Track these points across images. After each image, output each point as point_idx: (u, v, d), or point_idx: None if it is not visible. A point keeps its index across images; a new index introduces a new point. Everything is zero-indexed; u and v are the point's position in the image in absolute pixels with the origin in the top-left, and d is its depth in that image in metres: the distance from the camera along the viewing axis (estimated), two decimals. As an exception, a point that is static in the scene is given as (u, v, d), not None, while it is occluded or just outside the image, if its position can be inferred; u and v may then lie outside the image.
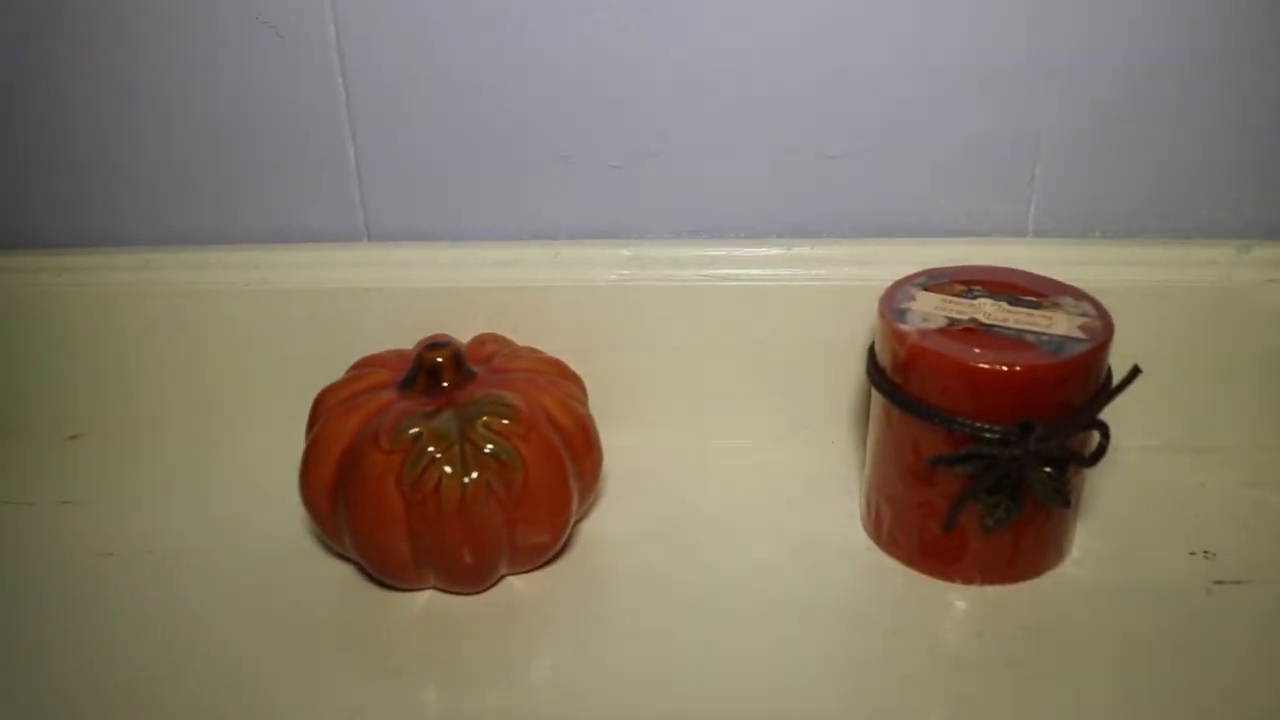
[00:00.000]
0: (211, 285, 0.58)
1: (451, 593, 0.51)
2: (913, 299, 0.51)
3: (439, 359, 0.50)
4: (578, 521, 0.54)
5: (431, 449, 0.47)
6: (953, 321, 0.49)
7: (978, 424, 0.47)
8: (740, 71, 0.55)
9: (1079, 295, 0.51)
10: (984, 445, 0.47)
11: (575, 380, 0.55)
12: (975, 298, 0.51)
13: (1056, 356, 0.46)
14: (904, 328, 0.48)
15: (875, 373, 0.50)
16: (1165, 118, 0.55)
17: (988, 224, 0.58)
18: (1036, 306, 0.50)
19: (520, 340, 0.57)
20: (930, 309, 0.50)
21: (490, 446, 0.48)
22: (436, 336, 0.54)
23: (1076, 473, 0.49)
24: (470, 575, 0.50)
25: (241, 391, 0.59)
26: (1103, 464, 0.50)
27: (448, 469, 0.47)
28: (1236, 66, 0.54)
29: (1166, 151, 0.56)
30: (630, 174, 0.58)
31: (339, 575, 0.52)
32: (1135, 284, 0.56)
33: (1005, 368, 0.46)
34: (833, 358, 0.57)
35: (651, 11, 0.54)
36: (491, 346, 0.54)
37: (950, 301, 0.50)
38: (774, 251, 0.57)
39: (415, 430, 0.48)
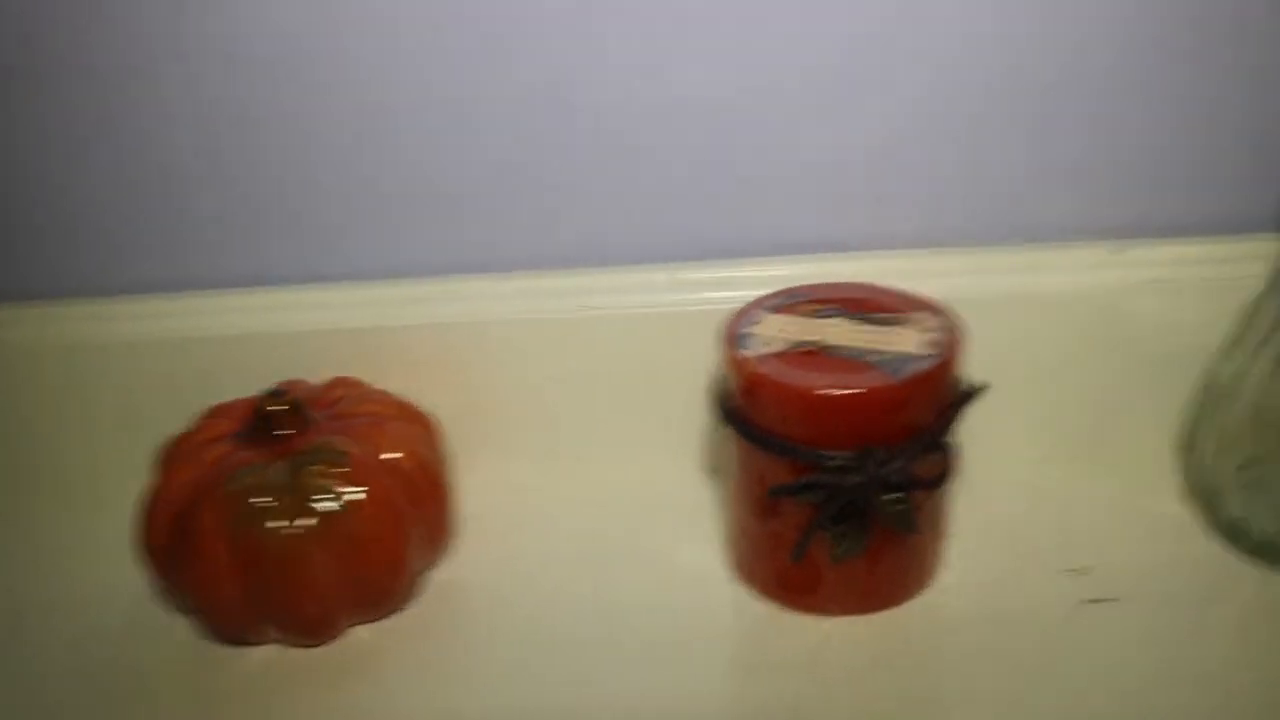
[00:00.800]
0: (62, 338, 0.57)
1: (295, 645, 0.49)
2: (758, 322, 0.49)
3: (275, 408, 0.49)
4: (430, 567, 0.52)
5: (259, 500, 0.46)
6: (796, 345, 0.47)
7: (817, 451, 0.45)
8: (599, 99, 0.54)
9: (936, 310, 0.49)
10: (823, 474, 0.45)
11: (423, 422, 0.53)
12: (826, 318, 0.49)
13: (894, 377, 0.44)
14: (743, 354, 0.47)
15: (719, 402, 0.49)
16: (1037, 116, 0.54)
17: (858, 239, 0.57)
18: (888, 324, 0.48)
19: (384, 381, 0.55)
20: (774, 332, 0.48)
21: (319, 496, 0.47)
22: (285, 383, 0.53)
23: (927, 496, 0.47)
24: (309, 627, 0.49)
25: (92, 445, 0.58)
26: (974, 482, 0.49)
27: (275, 520, 0.46)
28: (1107, 55, 0.52)
29: (1041, 151, 0.55)
30: (489, 203, 0.56)
31: (182, 632, 0.50)
32: (1009, 291, 0.55)
33: (839, 391, 0.44)
34: (701, 385, 0.55)
35: (498, 35, 0.53)
36: (340, 391, 0.53)
37: (798, 323, 0.49)
38: (635, 276, 0.56)
39: (244, 482, 0.47)
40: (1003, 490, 0.55)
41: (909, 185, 0.56)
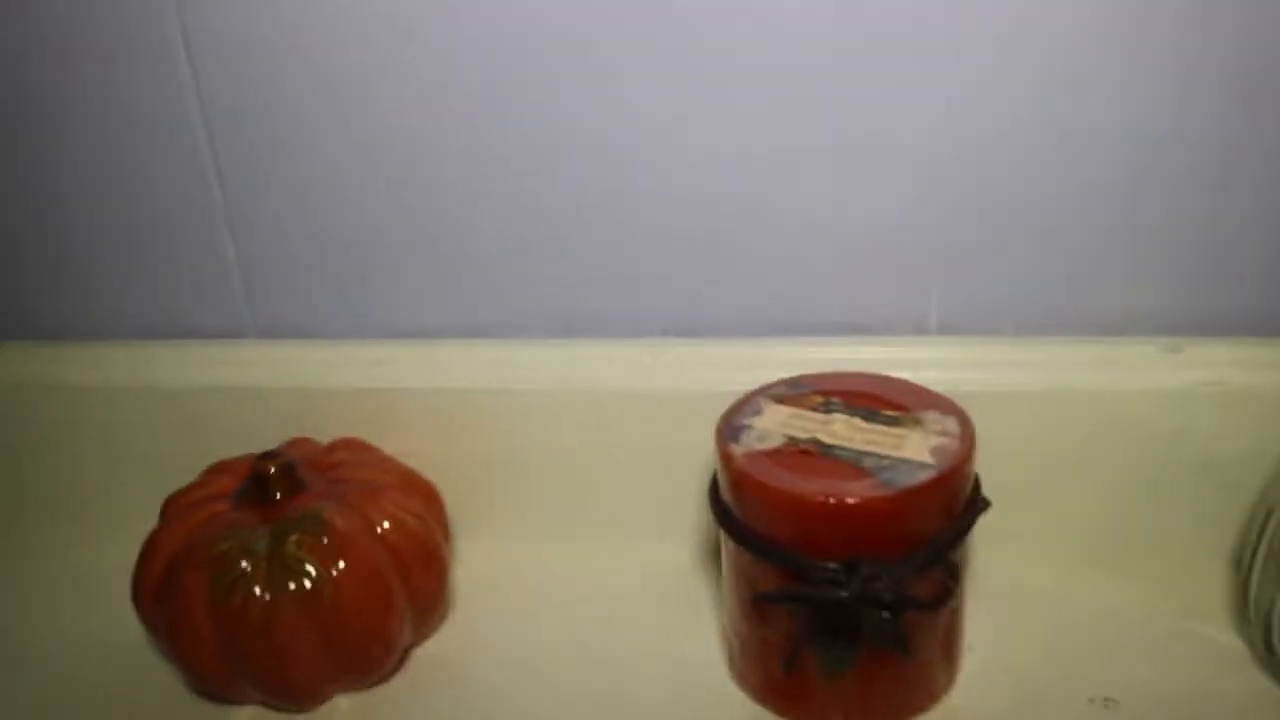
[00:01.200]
0: (80, 380, 0.58)
1: (275, 709, 0.49)
2: (759, 413, 0.47)
3: (268, 470, 0.49)
4: (420, 641, 0.51)
5: (238, 566, 0.46)
6: (791, 441, 0.45)
7: (803, 559, 0.42)
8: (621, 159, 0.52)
9: (948, 409, 0.46)
10: (808, 585, 0.42)
11: (423, 492, 0.52)
12: (830, 412, 0.46)
13: (888, 488, 0.41)
14: (733, 448, 0.44)
15: (713, 497, 0.46)
16: (1087, 200, 0.50)
17: (883, 321, 0.53)
18: (893, 423, 0.45)
19: (388, 444, 0.55)
20: (773, 425, 0.46)
21: (298, 565, 0.46)
22: (290, 442, 0.53)
23: (924, 616, 0.44)
24: (287, 693, 0.48)
25: (103, 491, 0.59)
26: (996, 593, 0.45)
27: (252, 586, 0.46)
28: (1163, 145, 0.48)
29: (1089, 238, 0.51)
30: (498, 270, 0.55)
31: (171, 685, 0.51)
32: (1048, 388, 0.51)
33: (825, 499, 0.41)
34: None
35: (506, 110, 0.52)
36: (341, 455, 0.53)
37: (800, 416, 0.46)
38: (644, 353, 0.54)
39: (225, 546, 0.47)
40: (1027, 604, 0.51)
41: (943, 265, 0.52)
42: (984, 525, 0.51)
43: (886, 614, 0.42)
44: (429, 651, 0.52)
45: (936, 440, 0.44)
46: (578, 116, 0.52)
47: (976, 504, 0.44)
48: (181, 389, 0.57)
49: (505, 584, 0.55)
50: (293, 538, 0.47)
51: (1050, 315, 0.52)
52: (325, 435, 0.55)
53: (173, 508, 0.51)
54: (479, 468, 0.56)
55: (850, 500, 0.41)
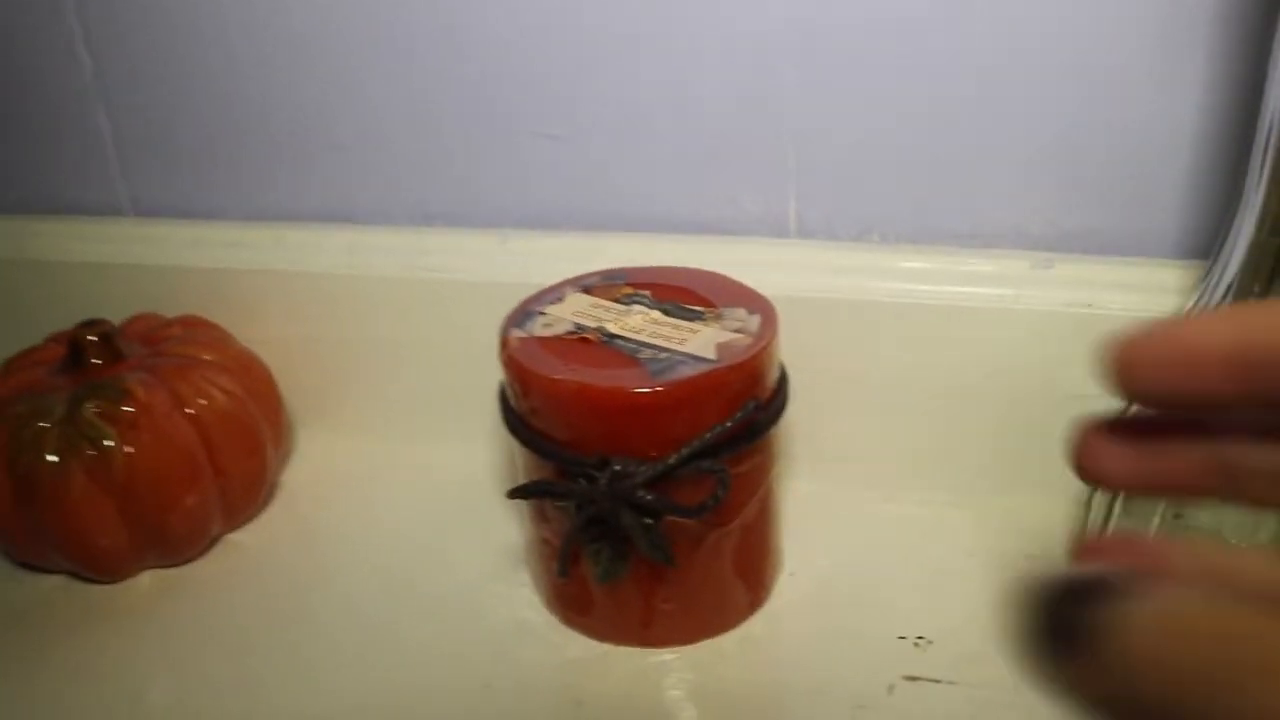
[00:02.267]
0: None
1: (83, 579, 0.49)
2: (560, 300, 0.44)
3: (85, 337, 0.48)
4: (232, 525, 0.50)
5: (31, 426, 0.46)
6: (577, 329, 0.41)
7: (562, 453, 0.39)
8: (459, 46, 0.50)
9: (759, 308, 0.42)
10: (564, 480, 0.39)
11: (251, 375, 0.51)
12: (631, 303, 0.43)
13: (653, 380, 0.38)
14: (512, 333, 0.42)
15: (501, 390, 0.43)
16: (961, 105, 0.45)
17: (744, 221, 0.49)
18: (692, 318, 0.42)
19: (239, 327, 0.54)
20: (566, 314, 0.43)
21: (92, 431, 0.45)
22: (137, 316, 0.53)
23: (693, 525, 0.40)
24: (88, 562, 0.48)
25: None
26: (818, 515, 0.42)
27: (41, 450, 0.45)
28: (1052, 49, 0.43)
29: (966, 145, 0.46)
30: (355, 156, 0.53)
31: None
32: (900, 299, 0.46)
33: (577, 385, 0.38)
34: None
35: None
36: (177, 330, 0.52)
37: (599, 306, 0.43)
38: (493, 242, 0.51)
39: (22, 408, 0.46)
40: (849, 531, 0.47)
41: (809, 169, 0.48)
42: (814, 446, 0.47)
43: (646, 518, 0.39)
44: (243, 538, 0.51)
45: (728, 337, 0.40)
46: (441, 7, 0.49)
47: (762, 410, 0.40)
48: (48, 262, 0.57)
49: (337, 477, 0.54)
50: (90, 404, 0.46)
51: (914, 226, 0.48)
52: (179, 313, 0.54)
53: (5, 370, 0.51)
54: (326, 358, 0.55)
55: (602, 386, 0.38)
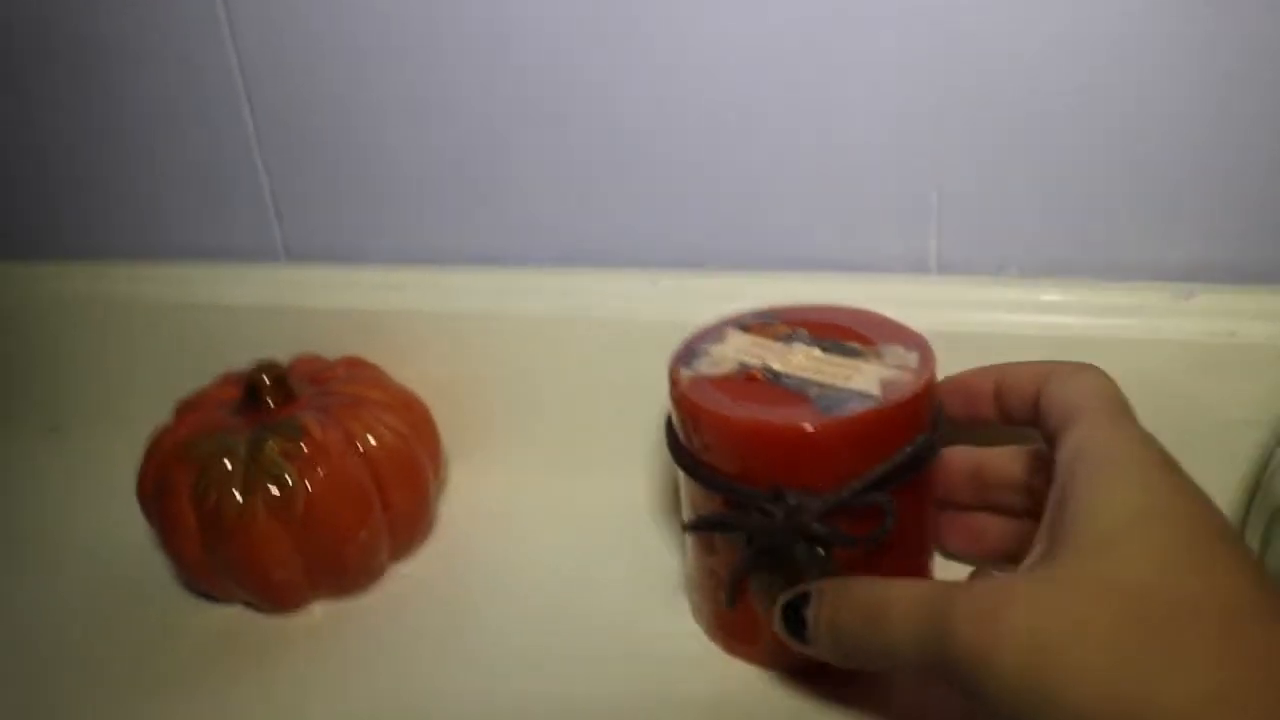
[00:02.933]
0: (123, 296, 0.62)
1: (258, 609, 0.51)
2: (721, 340, 0.46)
3: (262, 378, 0.51)
4: (400, 556, 0.53)
5: (217, 466, 0.48)
6: (742, 367, 0.43)
7: (735, 487, 0.41)
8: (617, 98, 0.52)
9: (915, 345, 0.43)
10: (737, 511, 0.41)
11: (413, 412, 0.54)
12: (791, 341, 0.45)
13: (823, 415, 0.40)
14: (682, 372, 0.44)
15: (668, 424, 0.46)
16: (1097, 137, 0.47)
17: (882, 258, 0.51)
18: (853, 355, 0.43)
19: (395, 366, 0.56)
20: (730, 352, 0.45)
21: (274, 469, 0.48)
22: (301, 357, 0.56)
23: (859, 554, 0.42)
24: (265, 594, 0.50)
25: (142, 400, 0.62)
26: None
27: (229, 487, 0.48)
28: (1182, 81, 0.45)
29: (1103, 178, 0.47)
30: (503, 201, 0.56)
31: (169, 580, 0.54)
32: (1043, 332, 0.48)
33: (751, 422, 0.40)
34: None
35: (527, 47, 0.52)
36: (341, 371, 0.55)
37: (760, 345, 0.45)
38: (643, 282, 0.53)
39: (208, 447, 0.49)
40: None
41: (960, 203, 0.50)
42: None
43: (819, 548, 0.41)
44: (408, 569, 0.53)
45: (890, 373, 0.42)
46: (587, 54, 0.52)
47: (926, 444, 0.41)
48: (212, 305, 0.61)
49: (491, 509, 0.56)
50: (270, 443, 0.49)
51: (1057, 259, 0.49)
52: (338, 354, 0.57)
53: (181, 409, 0.54)
54: (479, 394, 0.57)
55: (776, 424, 0.40)
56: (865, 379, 0.41)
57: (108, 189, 0.64)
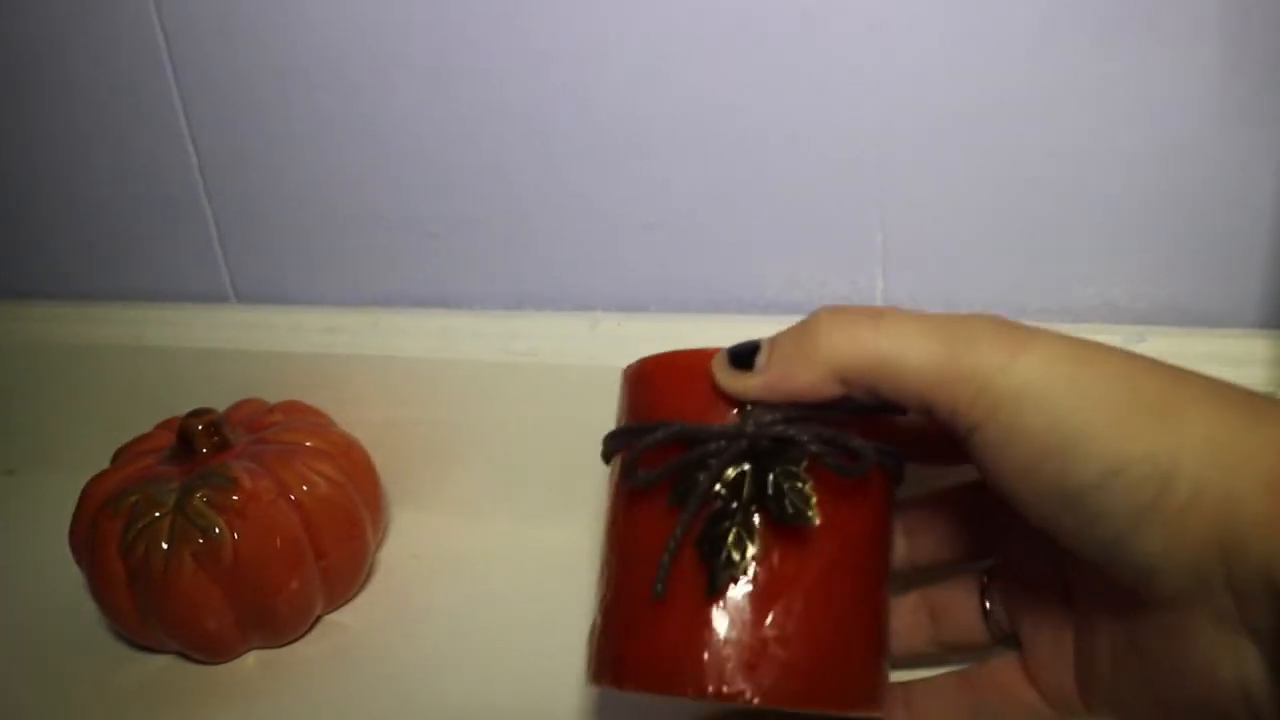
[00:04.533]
0: (63, 339, 0.62)
1: (191, 660, 0.50)
2: None
3: (194, 427, 0.50)
4: (334, 606, 0.52)
5: (145, 517, 0.48)
6: None
7: (692, 427, 0.35)
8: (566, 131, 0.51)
9: None
10: (698, 445, 0.35)
11: (350, 459, 0.53)
12: None
13: None
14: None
15: (606, 439, 0.39)
16: (1047, 178, 0.45)
17: (827, 298, 0.50)
18: None
19: (338, 410, 0.55)
20: None
21: (201, 520, 0.47)
22: (241, 402, 0.55)
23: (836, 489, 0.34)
24: (197, 645, 0.49)
25: (82, 442, 0.61)
26: None
27: (158, 538, 0.47)
28: (1133, 121, 0.43)
29: (1053, 222, 0.46)
30: (448, 244, 0.55)
31: (100, 630, 0.53)
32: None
33: (711, 352, 0.35)
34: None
35: (461, 86, 0.52)
36: (279, 416, 0.54)
37: None
38: (580, 326, 0.52)
39: (135, 497, 0.48)
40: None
41: (893, 245, 0.48)
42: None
43: (795, 476, 0.34)
44: (346, 618, 0.52)
45: None
46: (534, 97, 0.51)
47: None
48: (160, 348, 0.60)
49: (434, 557, 0.55)
50: (199, 494, 0.48)
51: (1005, 301, 0.48)
52: (282, 397, 0.56)
53: (118, 456, 0.53)
54: (421, 438, 0.56)
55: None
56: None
57: (53, 229, 0.64)
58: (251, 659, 0.50)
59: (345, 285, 0.58)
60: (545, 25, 0.49)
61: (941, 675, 0.40)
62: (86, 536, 0.49)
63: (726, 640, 0.33)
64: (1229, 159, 0.43)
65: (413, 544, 0.56)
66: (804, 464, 0.34)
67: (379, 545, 0.55)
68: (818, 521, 0.34)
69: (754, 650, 0.33)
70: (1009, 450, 0.30)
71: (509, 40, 0.50)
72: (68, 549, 0.51)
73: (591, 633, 0.37)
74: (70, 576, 0.52)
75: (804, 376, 0.33)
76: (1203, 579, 0.28)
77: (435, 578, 0.54)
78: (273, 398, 0.56)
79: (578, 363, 0.52)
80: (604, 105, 0.50)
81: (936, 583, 0.41)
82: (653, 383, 0.38)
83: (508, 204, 0.54)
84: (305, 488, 0.50)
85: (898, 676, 0.39)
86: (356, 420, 0.55)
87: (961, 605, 0.40)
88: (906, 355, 0.31)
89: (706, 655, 0.33)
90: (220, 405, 0.54)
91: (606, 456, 0.40)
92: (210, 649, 0.49)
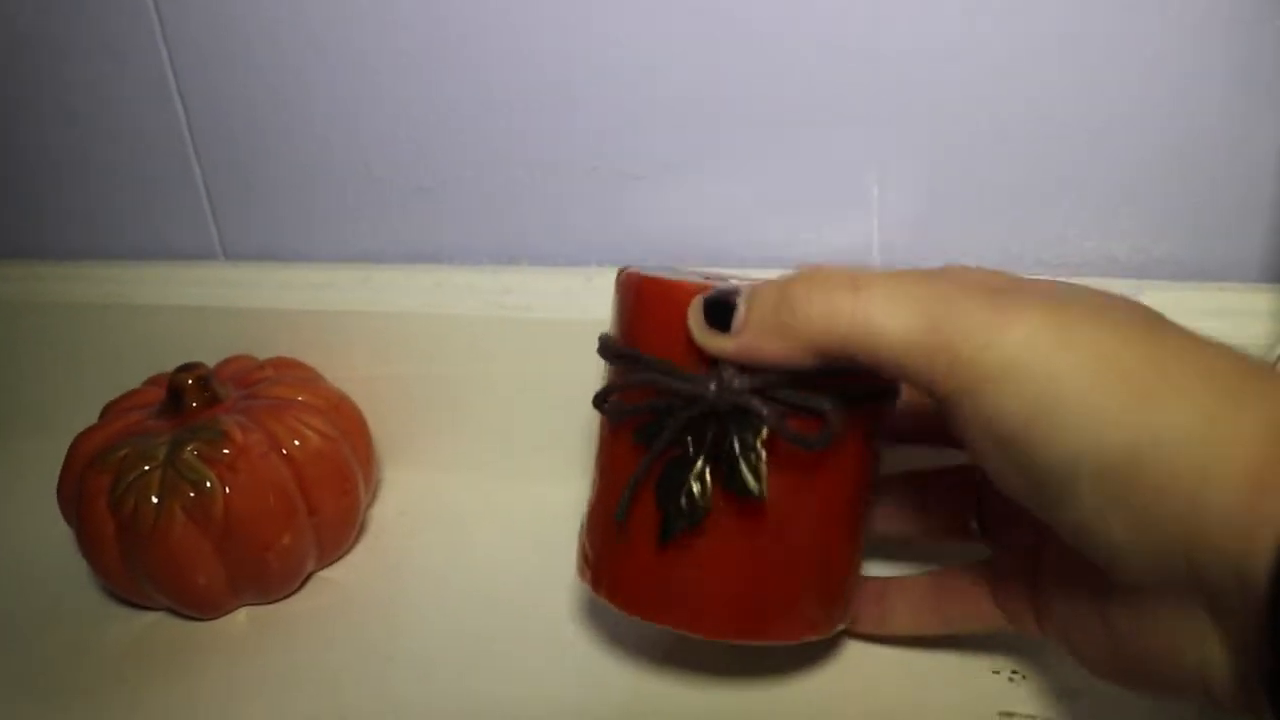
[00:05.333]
0: (53, 297, 0.61)
1: (181, 615, 0.50)
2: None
3: (184, 381, 0.50)
4: (326, 562, 0.52)
5: (134, 472, 0.47)
6: (699, 276, 0.38)
7: (670, 366, 0.35)
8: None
9: None
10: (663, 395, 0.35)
11: (343, 414, 0.52)
12: None
13: None
14: (631, 268, 0.39)
15: (602, 341, 0.39)
16: (1043, 130, 0.45)
17: (825, 250, 0.50)
18: None
19: (329, 366, 0.55)
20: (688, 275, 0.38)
21: (192, 474, 0.47)
22: (230, 358, 0.54)
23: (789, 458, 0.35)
24: (187, 600, 0.49)
25: (70, 401, 0.61)
26: None
27: (147, 492, 0.47)
28: (1130, 76, 0.43)
29: (1052, 173, 0.46)
30: (440, 197, 0.54)
31: (89, 586, 0.52)
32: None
33: (697, 287, 0.35)
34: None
35: (456, 46, 0.51)
36: (269, 372, 0.53)
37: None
38: (574, 281, 0.52)
39: (125, 451, 0.48)
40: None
41: (901, 195, 0.48)
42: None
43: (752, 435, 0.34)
44: (337, 574, 0.52)
45: None
46: (522, 50, 0.50)
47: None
48: (142, 306, 0.59)
49: (424, 512, 0.55)
50: (189, 447, 0.47)
51: (1002, 253, 0.47)
52: (271, 354, 0.55)
53: (105, 413, 0.53)
54: (414, 394, 0.55)
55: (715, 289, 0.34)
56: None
57: (41, 188, 0.63)
58: (242, 615, 0.50)
59: (335, 241, 0.58)
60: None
61: (917, 575, 0.41)
62: (74, 492, 0.49)
63: (676, 581, 0.37)
64: (1230, 115, 0.42)
65: (404, 501, 0.56)
66: (762, 435, 0.34)
67: (370, 502, 0.55)
68: (765, 496, 0.34)
69: (701, 594, 0.37)
70: (982, 427, 0.30)
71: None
72: (50, 507, 0.51)
73: (580, 530, 0.41)
74: (58, 534, 0.52)
75: (776, 347, 0.33)
76: (1170, 569, 0.27)
77: (426, 534, 0.53)
78: (263, 355, 0.55)
79: (572, 317, 0.51)
80: (596, 58, 0.49)
81: (932, 476, 0.42)
82: (642, 304, 0.37)
83: (500, 158, 0.53)
84: (297, 442, 0.49)
85: (883, 570, 0.43)
86: (347, 376, 0.55)
87: (954, 497, 0.41)
88: (886, 327, 0.31)
89: (658, 592, 0.37)
90: (210, 362, 0.53)
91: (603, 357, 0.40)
92: (201, 605, 0.49)
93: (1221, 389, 0.27)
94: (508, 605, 0.48)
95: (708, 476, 0.35)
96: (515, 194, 0.53)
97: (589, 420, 0.50)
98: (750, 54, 0.47)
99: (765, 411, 0.34)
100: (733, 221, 0.51)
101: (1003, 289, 0.31)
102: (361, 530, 0.53)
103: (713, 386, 0.34)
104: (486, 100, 0.52)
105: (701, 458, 0.35)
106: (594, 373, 0.48)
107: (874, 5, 0.45)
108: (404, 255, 0.57)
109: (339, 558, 0.52)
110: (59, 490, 0.50)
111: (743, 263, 0.51)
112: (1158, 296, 0.44)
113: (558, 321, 0.51)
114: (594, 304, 0.51)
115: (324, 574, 0.52)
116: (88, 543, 0.48)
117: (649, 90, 0.49)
